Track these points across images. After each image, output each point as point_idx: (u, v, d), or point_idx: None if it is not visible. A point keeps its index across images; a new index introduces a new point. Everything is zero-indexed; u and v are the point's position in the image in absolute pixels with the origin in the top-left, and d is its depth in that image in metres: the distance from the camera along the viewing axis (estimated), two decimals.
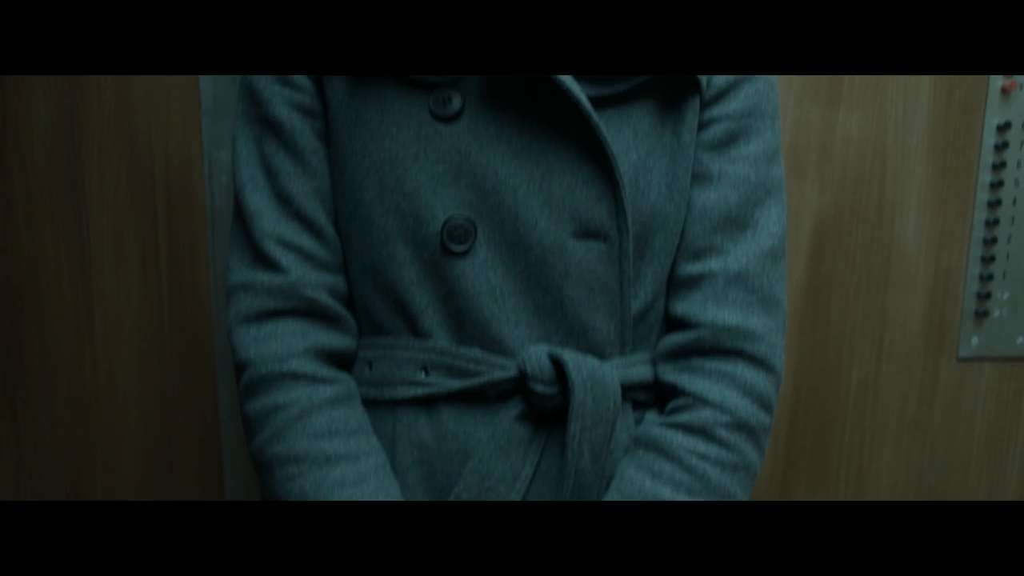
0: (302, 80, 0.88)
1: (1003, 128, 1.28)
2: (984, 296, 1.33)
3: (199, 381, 1.31)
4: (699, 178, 0.90)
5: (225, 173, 1.25)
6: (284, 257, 0.87)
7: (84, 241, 1.28)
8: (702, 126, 0.90)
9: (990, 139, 1.28)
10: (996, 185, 1.30)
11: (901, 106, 1.27)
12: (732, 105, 0.89)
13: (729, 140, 0.90)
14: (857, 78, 1.27)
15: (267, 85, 0.88)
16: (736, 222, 0.89)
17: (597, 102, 0.84)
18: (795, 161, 1.28)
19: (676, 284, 0.92)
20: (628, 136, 0.85)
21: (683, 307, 0.91)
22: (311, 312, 0.88)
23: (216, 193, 1.25)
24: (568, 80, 0.81)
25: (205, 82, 1.23)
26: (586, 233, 0.85)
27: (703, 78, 0.87)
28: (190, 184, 1.26)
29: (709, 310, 0.89)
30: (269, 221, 0.88)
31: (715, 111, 0.89)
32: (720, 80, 0.89)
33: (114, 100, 1.23)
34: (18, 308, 1.28)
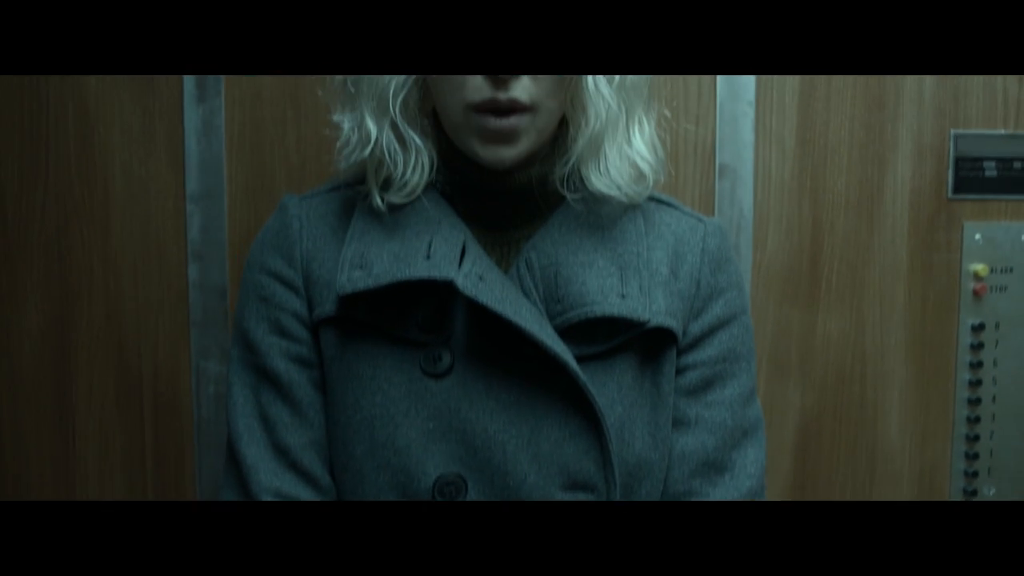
0: (299, 332, 0.90)
1: (978, 329, 1.31)
2: (971, 492, 1.33)
3: None
4: (677, 423, 0.92)
5: (212, 383, 1.25)
6: None
7: (69, 449, 1.27)
8: (679, 372, 0.92)
9: (966, 339, 1.31)
10: (975, 383, 1.32)
11: (878, 308, 1.30)
12: (707, 352, 0.92)
13: (705, 385, 0.92)
14: (834, 280, 1.30)
15: (264, 336, 0.90)
16: (714, 466, 0.91)
17: (581, 358, 0.86)
18: (777, 363, 1.30)
19: None
20: (613, 390, 0.87)
21: None
22: None
23: (203, 403, 1.26)
24: (555, 343, 0.83)
25: (195, 294, 1.24)
26: (574, 485, 0.86)
27: (679, 330, 0.90)
28: (177, 394, 1.26)
29: None
30: (266, 474, 0.88)
31: (691, 358, 0.92)
32: (695, 328, 0.92)
33: (104, 312, 1.25)
34: None
